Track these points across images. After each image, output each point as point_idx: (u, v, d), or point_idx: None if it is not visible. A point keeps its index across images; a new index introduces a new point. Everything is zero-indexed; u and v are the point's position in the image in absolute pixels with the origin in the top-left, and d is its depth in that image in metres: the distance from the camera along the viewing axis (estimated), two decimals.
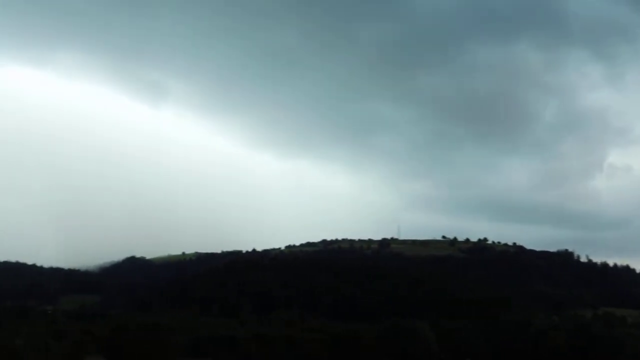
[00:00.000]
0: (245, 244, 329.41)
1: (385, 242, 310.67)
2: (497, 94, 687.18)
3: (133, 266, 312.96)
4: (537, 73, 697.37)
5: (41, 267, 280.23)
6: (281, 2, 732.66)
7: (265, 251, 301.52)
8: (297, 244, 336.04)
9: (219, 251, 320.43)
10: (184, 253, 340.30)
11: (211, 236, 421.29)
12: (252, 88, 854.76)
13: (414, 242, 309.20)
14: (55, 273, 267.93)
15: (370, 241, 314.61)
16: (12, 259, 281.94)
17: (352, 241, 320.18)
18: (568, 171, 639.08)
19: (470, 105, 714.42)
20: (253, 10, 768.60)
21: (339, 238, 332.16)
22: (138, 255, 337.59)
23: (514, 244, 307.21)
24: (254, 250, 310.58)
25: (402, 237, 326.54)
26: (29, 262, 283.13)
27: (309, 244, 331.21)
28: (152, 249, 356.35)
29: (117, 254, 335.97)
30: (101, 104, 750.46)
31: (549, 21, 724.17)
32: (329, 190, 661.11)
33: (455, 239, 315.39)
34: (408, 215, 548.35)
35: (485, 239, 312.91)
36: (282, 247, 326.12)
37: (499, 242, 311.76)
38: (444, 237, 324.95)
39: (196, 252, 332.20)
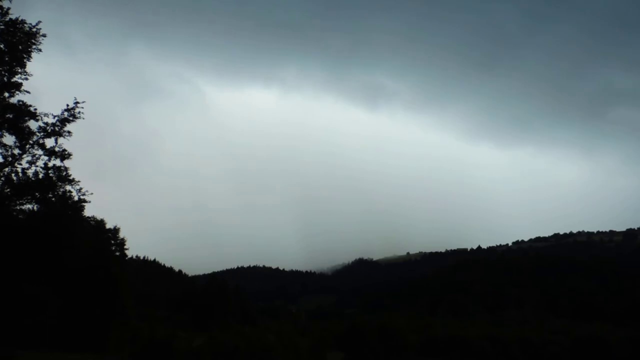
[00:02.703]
0: (469, 241, 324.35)
1: (631, 234, 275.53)
2: None
3: (362, 267, 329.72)
4: None
5: (283, 271, 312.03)
6: None
7: (491, 248, 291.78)
8: (526, 239, 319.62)
9: (442, 250, 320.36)
10: (408, 253, 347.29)
11: (434, 235, 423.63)
12: (465, 78, 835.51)
13: None
14: (295, 276, 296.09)
15: (612, 233, 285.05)
16: (260, 263, 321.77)
17: (589, 234, 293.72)
18: None
19: None
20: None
21: (574, 231, 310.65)
22: (366, 257, 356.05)
23: None
24: (479, 247, 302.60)
25: None
26: (273, 266, 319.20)
27: (538, 239, 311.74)
28: (378, 250, 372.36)
29: (347, 257, 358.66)
30: (322, 110, 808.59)
31: None
32: (557, 178, 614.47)
33: None
34: None
35: None
36: (510, 243, 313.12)
37: None
38: None
39: (420, 252, 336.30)
